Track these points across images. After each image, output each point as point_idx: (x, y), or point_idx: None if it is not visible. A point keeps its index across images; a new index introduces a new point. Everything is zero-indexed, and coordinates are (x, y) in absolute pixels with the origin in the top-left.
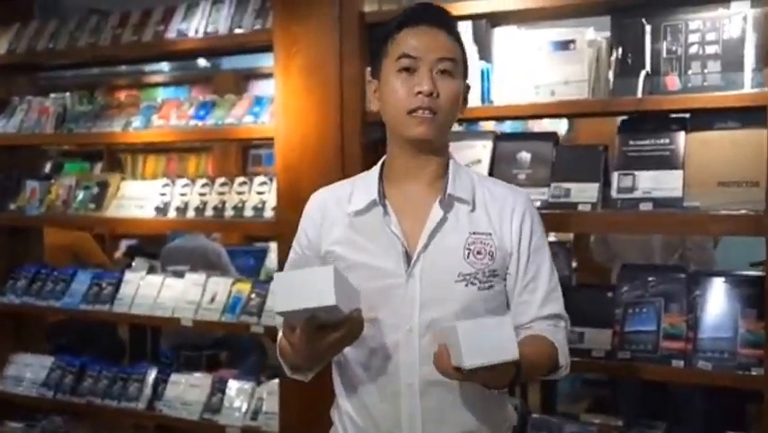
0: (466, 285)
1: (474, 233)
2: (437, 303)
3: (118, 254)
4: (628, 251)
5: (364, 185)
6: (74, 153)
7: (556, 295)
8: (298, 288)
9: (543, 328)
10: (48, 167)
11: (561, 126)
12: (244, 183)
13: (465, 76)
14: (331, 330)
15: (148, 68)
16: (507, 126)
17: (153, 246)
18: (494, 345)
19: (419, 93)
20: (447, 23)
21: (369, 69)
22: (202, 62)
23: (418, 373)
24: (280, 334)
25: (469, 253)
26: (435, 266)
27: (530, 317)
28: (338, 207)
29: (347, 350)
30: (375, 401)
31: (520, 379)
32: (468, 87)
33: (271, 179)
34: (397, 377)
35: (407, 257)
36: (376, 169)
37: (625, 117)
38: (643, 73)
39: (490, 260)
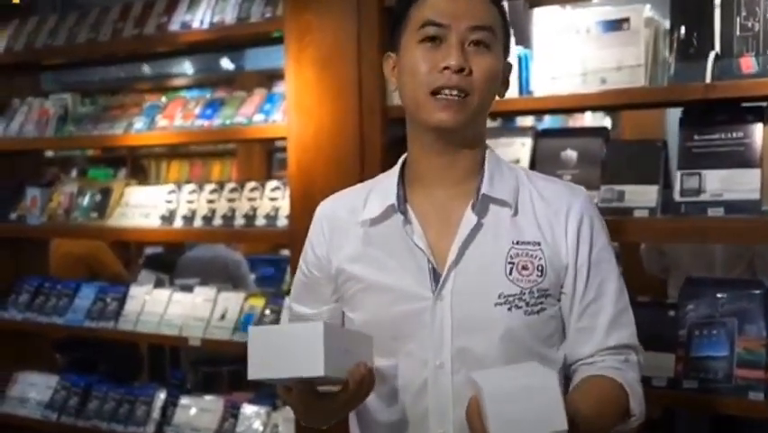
0: (509, 309)
1: (518, 242)
2: (473, 332)
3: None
4: (686, 260)
5: (381, 188)
6: (99, 159)
7: (626, 319)
8: (279, 349)
9: (609, 365)
10: (74, 173)
11: (605, 121)
12: (255, 189)
13: (506, 52)
14: (333, 392)
15: (172, 70)
16: (546, 122)
17: (177, 255)
18: (534, 415)
19: (446, 69)
20: None
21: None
22: (225, 63)
23: (452, 418)
24: None
25: (512, 269)
26: (470, 285)
27: (592, 348)
28: (351, 216)
29: None
30: None
31: None
32: (509, 66)
33: (285, 184)
34: (426, 425)
35: (435, 275)
36: (396, 168)
37: (687, 108)
38: (711, 55)
39: (539, 276)
